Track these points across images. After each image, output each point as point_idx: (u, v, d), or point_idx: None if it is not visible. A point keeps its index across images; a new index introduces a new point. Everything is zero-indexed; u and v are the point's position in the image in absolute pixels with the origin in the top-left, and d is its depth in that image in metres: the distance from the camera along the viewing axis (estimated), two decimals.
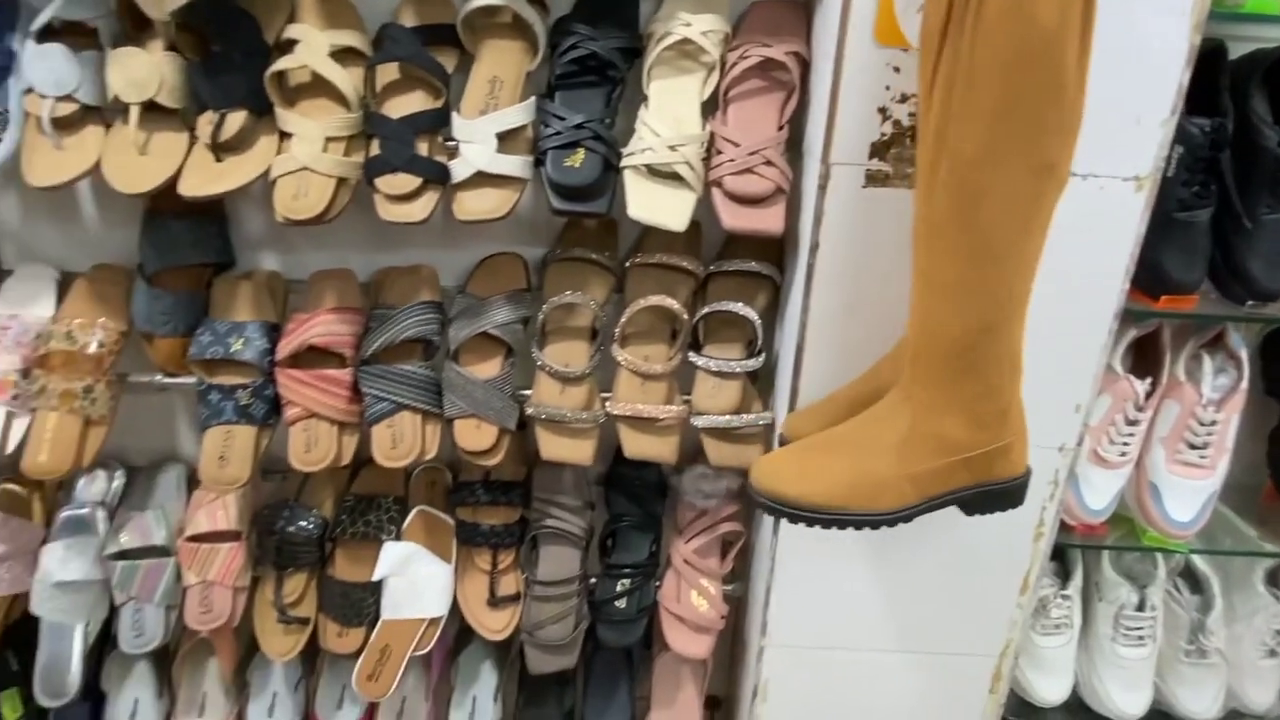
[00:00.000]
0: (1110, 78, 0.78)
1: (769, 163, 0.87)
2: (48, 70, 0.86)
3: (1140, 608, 1.12)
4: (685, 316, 0.98)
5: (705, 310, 0.98)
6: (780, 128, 0.89)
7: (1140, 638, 1.12)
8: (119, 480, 1.17)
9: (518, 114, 0.88)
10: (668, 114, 0.88)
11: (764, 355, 0.99)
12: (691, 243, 1.03)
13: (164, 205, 0.99)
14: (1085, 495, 1.02)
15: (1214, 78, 0.88)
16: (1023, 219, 0.66)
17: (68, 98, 0.87)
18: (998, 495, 0.78)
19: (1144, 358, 1.05)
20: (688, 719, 1.23)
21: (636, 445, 1.00)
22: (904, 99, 0.79)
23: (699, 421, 0.99)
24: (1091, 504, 1.02)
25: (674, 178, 0.88)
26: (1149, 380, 1.01)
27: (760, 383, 1.04)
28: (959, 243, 0.68)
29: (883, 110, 0.79)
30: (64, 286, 1.05)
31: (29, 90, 0.87)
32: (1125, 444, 1.01)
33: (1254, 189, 0.89)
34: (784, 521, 0.99)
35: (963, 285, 0.69)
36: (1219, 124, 0.86)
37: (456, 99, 0.91)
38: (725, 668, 1.34)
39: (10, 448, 0.99)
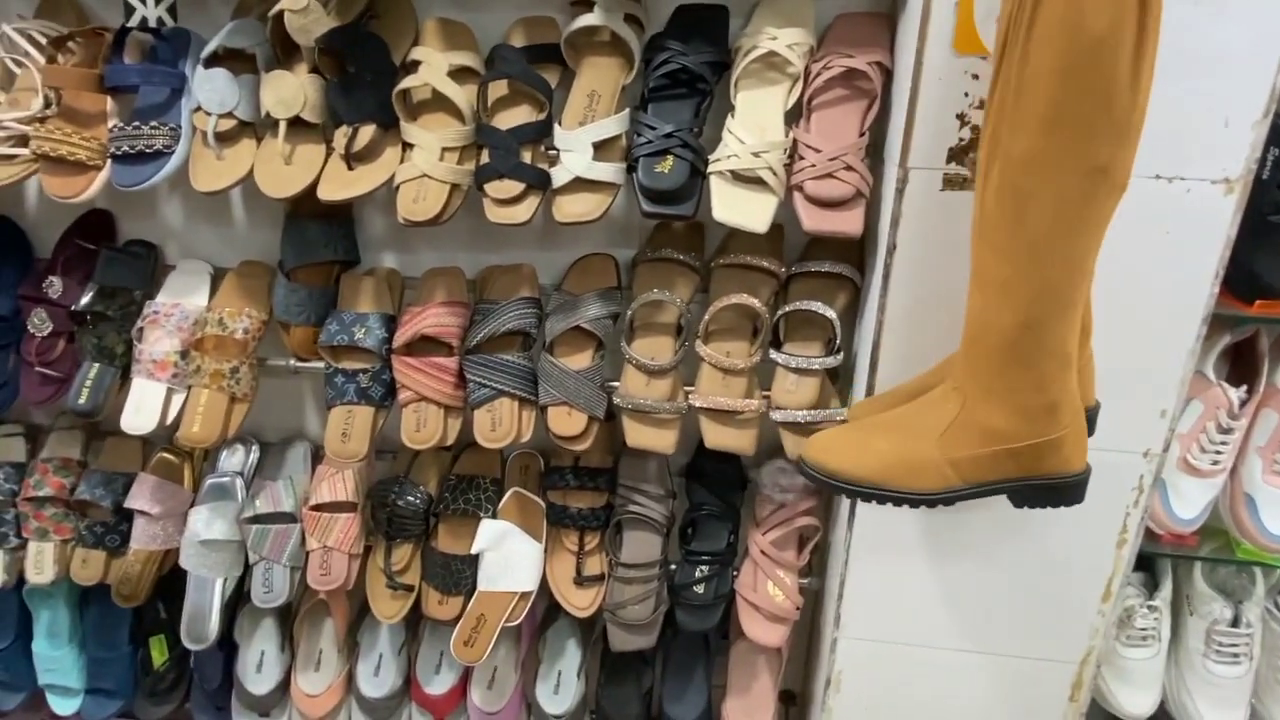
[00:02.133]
0: (1196, 80, 0.79)
1: (849, 168, 0.91)
2: (213, 91, 1.00)
3: (1235, 624, 1.08)
4: (766, 315, 1.03)
5: (786, 309, 1.03)
6: (861, 134, 0.93)
7: (1235, 655, 1.08)
8: (255, 453, 1.31)
9: (613, 125, 0.96)
10: (752, 122, 0.94)
11: (842, 353, 1.03)
12: (774, 245, 1.07)
13: (302, 209, 1.13)
14: (1174, 504, 1.01)
15: None
16: (1070, 222, 0.68)
17: (229, 115, 1.00)
18: (1049, 490, 0.79)
19: (1240, 364, 1.02)
20: (762, 708, 1.26)
21: (717, 436, 1.06)
22: (982, 105, 0.81)
23: (777, 416, 1.04)
24: (1180, 513, 1.00)
25: (757, 182, 0.93)
26: (1244, 388, 0.98)
27: (839, 380, 1.08)
28: (1008, 242, 0.71)
29: (961, 116, 0.82)
30: (216, 280, 1.20)
31: (197, 108, 1.01)
32: (1218, 453, 0.99)
33: None
34: (859, 516, 1.02)
35: (1010, 283, 0.72)
36: None
37: (558, 111, 1.00)
38: (801, 664, 1.37)
39: (170, 419, 1.14)
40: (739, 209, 0.93)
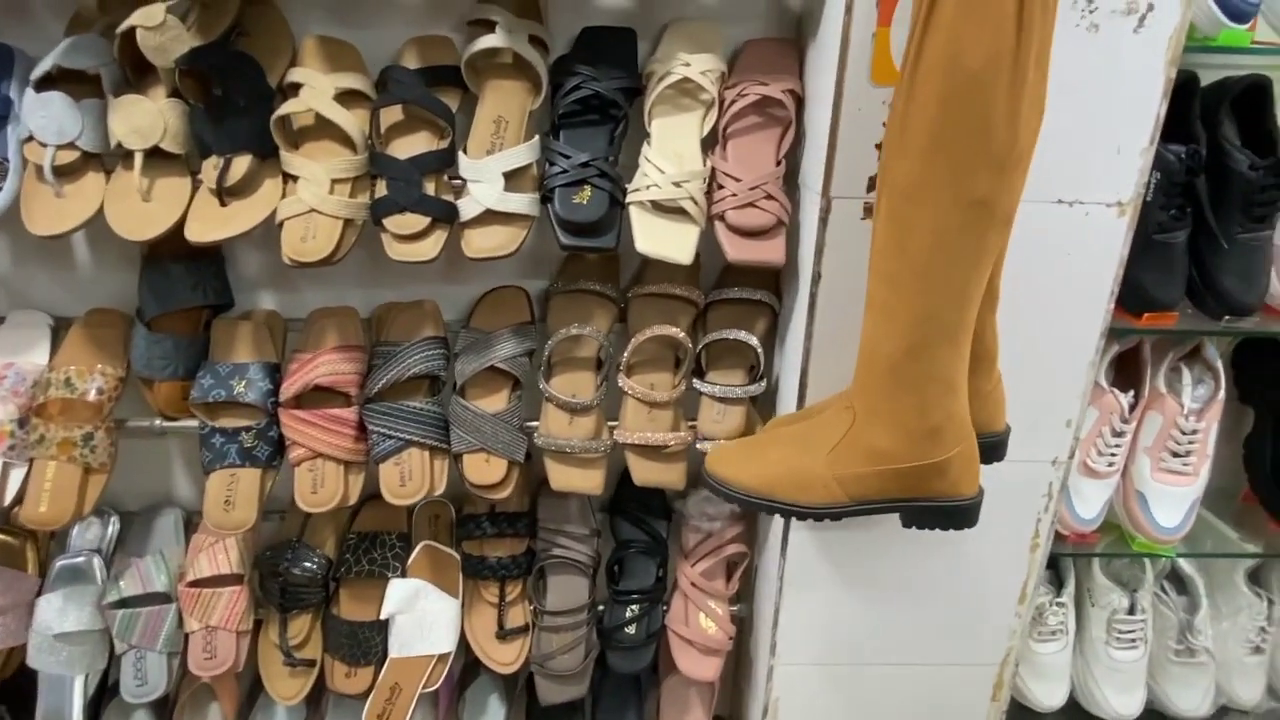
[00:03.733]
0: (1093, 111, 0.83)
1: (769, 196, 0.90)
2: (48, 118, 0.86)
3: (1131, 611, 1.16)
4: (689, 345, 1.00)
5: (708, 338, 1.01)
6: (778, 162, 0.92)
7: (1132, 640, 1.16)
8: (114, 526, 1.15)
9: (524, 153, 0.90)
10: (670, 151, 0.91)
11: (765, 380, 1.01)
12: (691, 272, 1.05)
13: (162, 249, 0.99)
14: (1076, 505, 1.06)
15: (1187, 106, 0.93)
16: (950, 252, 0.70)
17: (69, 145, 0.86)
18: (938, 512, 0.81)
19: (1126, 372, 1.10)
20: None
21: (645, 472, 1.02)
22: None
23: (705, 446, 1.01)
24: (1082, 513, 1.06)
25: (678, 212, 0.90)
26: (1132, 393, 1.05)
27: (762, 406, 1.07)
28: (893, 269, 0.73)
29: (880, 146, 0.83)
30: (57, 332, 1.04)
31: (29, 139, 0.87)
32: (1112, 455, 1.05)
33: (1227, 210, 0.94)
34: (791, 543, 1.01)
35: (895, 308, 0.74)
36: (1193, 150, 0.91)
37: (461, 138, 0.93)
38: (729, 688, 1.35)
39: (8, 499, 0.98)
40: (662, 240, 0.90)
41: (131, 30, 0.83)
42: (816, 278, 0.88)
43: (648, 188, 0.90)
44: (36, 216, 0.87)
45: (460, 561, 1.13)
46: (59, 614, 1.07)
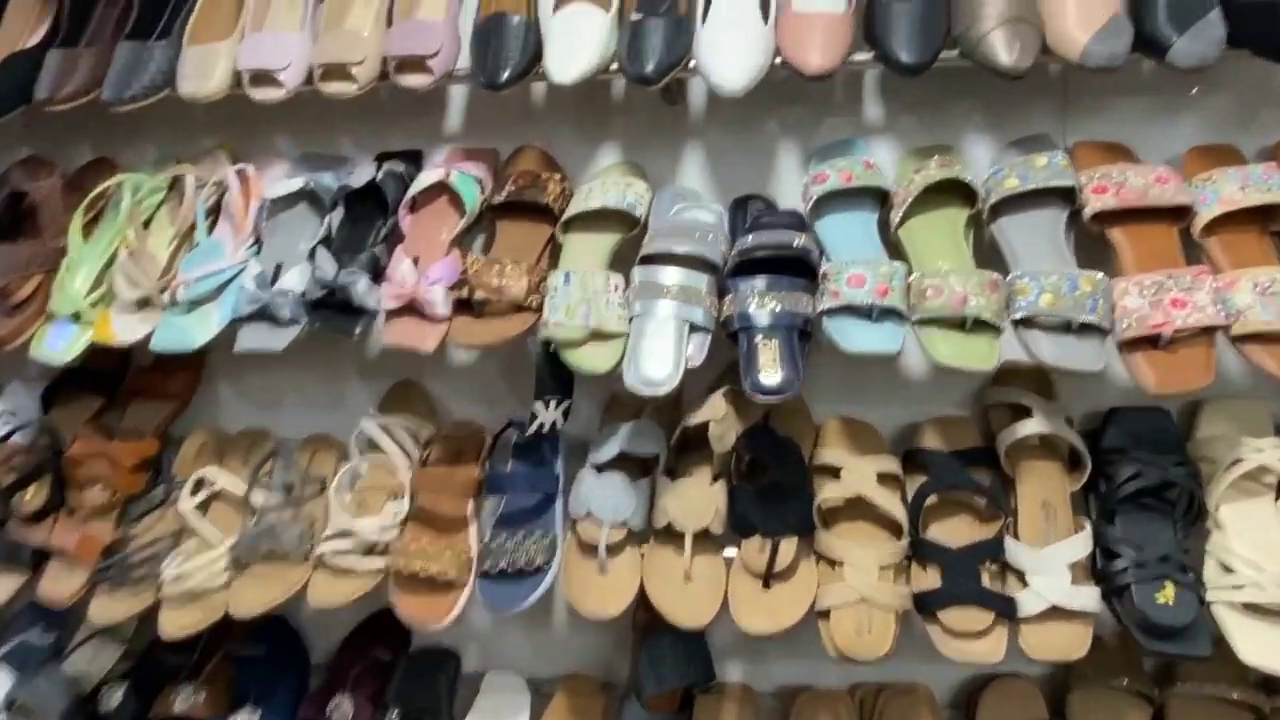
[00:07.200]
0: None
1: None
2: (606, 498, 0.90)
3: None
4: None
5: None
6: None
7: None
8: None
9: (1083, 543, 0.84)
10: (1258, 543, 0.82)
11: None
12: (1246, 670, 0.90)
13: (658, 624, 0.97)
14: None
15: None
16: None
17: (620, 524, 0.90)
18: None
19: None
20: None
21: None
22: None
23: None
24: None
25: None
26: None
27: None
28: None
29: None
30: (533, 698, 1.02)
31: (586, 515, 0.90)
32: None
33: None
34: None
35: None
36: None
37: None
38: None
39: None
40: (1275, 650, 0.78)
41: (698, 423, 0.89)
42: None
43: (1239, 587, 0.80)
44: (584, 595, 0.88)
45: None
46: None
